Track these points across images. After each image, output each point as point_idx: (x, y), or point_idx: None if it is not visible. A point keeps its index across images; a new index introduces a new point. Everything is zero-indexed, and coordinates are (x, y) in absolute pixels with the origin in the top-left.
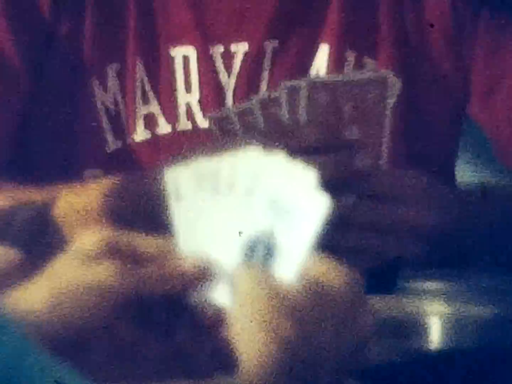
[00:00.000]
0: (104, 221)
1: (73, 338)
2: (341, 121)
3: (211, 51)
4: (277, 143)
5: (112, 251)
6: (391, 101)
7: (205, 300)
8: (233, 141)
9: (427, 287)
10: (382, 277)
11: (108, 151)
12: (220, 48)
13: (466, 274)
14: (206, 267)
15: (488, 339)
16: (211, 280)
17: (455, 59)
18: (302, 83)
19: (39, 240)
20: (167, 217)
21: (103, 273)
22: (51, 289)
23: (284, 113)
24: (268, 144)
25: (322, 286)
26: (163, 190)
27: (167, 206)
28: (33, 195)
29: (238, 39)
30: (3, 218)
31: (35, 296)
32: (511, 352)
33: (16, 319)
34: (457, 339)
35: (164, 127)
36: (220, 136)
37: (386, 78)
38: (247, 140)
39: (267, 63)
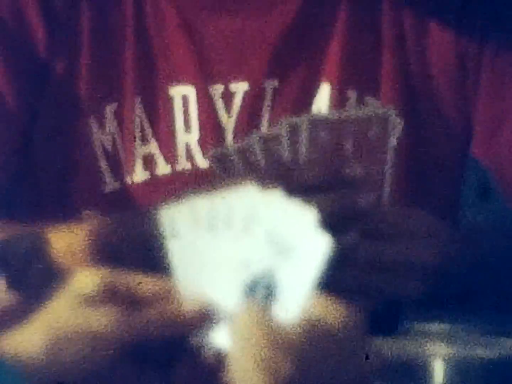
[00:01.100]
0: (100, 261)
1: (70, 381)
2: (343, 158)
3: (210, 91)
4: (277, 181)
5: (110, 294)
6: (393, 139)
7: (206, 343)
8: (233, 179)
9: (429, 328)
10: (385, 318)
11: (105, 192)
12: (220, 88)
13: (469, 315)
14: (206, 309)
15: (492, 381)
16: (211, 322)
17: (458, 100)
18: (303, 120)
19: (34, 274)
20: (164, 257)
21: (101, 319)
22: (47, 332)
23: (284, 150)
24: (268, 182)
25: (322, 326)
26: (159, 229)
27: (163, 245)
28: (28, 229)
29: (238, 78)
30: None
31: (32, 338)
32: None
33: (13, 362)
34: (461, 381)
35: (163, 168)
36: (220, 174)
37: (387, 116)
38: (247, 178)
39: (267, 103)
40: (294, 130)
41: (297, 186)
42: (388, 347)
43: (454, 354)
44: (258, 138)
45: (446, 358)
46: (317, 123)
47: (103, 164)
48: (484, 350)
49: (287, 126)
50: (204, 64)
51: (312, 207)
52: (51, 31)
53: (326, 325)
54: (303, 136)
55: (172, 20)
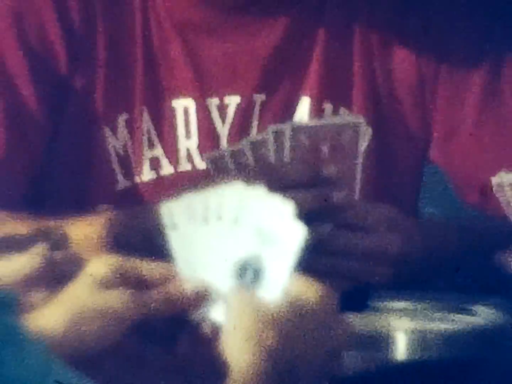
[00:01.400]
0: (113, 249)
1: (87, 354)
2: (320, 160)
3: (207, 103)
4: (264, 179)
5: (121, 277)
6: (363, 144)
7: (203, 319)
8: (226, 178)
9: (394, 306)
10: (356, 297)
11: (118, 189)
12: (216, 100)
13: (428, 294)
14: (203, 290)
15: (449, 351)
16: (207, 301)
17: (418, 112)
18: (286, 127)
19: (55, 264)
20: (167, 245)
21: (114, 300)
22: (66, 312)
23: (270, 153)
24: (256, 180)
25: (301, 303)
26: (162, 221)
27: (166, 235)
28: (49, 223)
29: (231, 92)
30: (22, 245)
31: (53, 317)
32: (469, 363)
33: (37, 338)
34: (421, 351)
35: (167, 169)
36: (215, 174)
37: (358, 124)
38: (238, 177)
39: (256, 114)
40: (278, 136)
41: (281, 184)
42: (358, 321)
43: (415, 328)
44: (248, 143)
45: (408, 331)
46: (298, 130)
47: (116, 165)
48: (441, 324)
49: (273, 132)
50: (202, 80)
51: (293, 202)
52: (71, 53)
53: (304, 303)
54: (286, 141)
55: (175, 43)
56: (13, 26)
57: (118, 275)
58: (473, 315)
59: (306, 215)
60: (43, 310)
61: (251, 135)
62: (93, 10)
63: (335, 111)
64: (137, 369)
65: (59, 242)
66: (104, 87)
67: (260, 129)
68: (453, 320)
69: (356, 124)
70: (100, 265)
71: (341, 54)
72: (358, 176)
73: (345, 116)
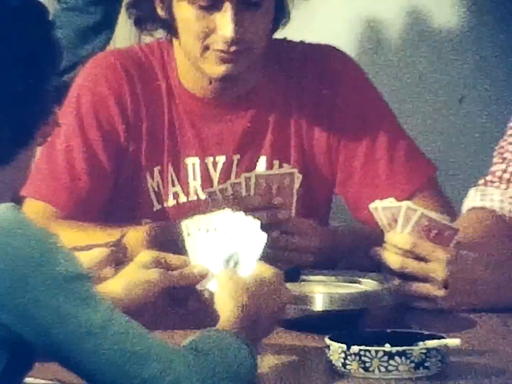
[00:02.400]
0: (151, 246)
1: (135, 309)
2: (271, 194)
3: (206, 161)
4: (239, 206)
5: (156, 263)
6: (296, 185)
7: (204, 288)
8: (217, 206)
9: (314, 278)
10: (292, 273)
11: (154, 211)
12: (211, 159)
13: (335, 272)
14: (204, 272)
15: (346, 305)
16: (207, 278)
17: (328, 163)
18: (252, 175)
19: (116, 255)
20: (184, 245)
21: (151, 275)
22: (123, 283)
23: (242, 190)
24: (235, 207)
25: (262, 278)
26: (181, 231)
27: (183, 239)
28: (113, 231)
29: (219, 154)
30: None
31: (115, 286)
32: (358, 312)
33: (105, 298)
34: (330, 305)
35: (182, 199)
36: (211, 203)
37: (293, 173)
38: (225, 205)
39: (234, 167)
40: (247, 180)
41: (249, 208)
42: (294, 288)
43: (327, 292)
44: (230, 184)
45: (323, 294)
46: (259, 176)
47: (153, 196)
48: (342, 290)
49: (245, 178)
50: (202, 147)
51: (257, 219)
52: (127, 130)
53: (264, 278)
54: (252, 183)
55: (187, 124)
56: (93, 115)
57: (154, 262)
58: (360, 284)
59: (263, 226)
60: (109, 282)
61: (231, 180)
62: (139, 104)
63: (280, 165)
64: (163, 317)
65: (119, 242)
66: (146, 150)
67: (237, 176)
68: (348, 287)
69: (292, 173)
70: (143, 255)
71: (283, 130)
72: (294, 203)
73: (286, 169)
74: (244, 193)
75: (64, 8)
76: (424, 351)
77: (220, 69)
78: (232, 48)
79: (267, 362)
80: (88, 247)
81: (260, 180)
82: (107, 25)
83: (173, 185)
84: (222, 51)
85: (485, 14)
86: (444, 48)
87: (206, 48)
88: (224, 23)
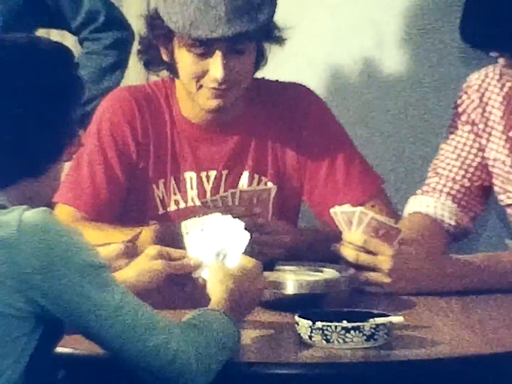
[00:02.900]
0: (157, 243)
1: (144, 292)
2: (252, 205)
3: (201, 174)
4: (227, 212)
5: (160, 255)
6: (272, 196)
7: (198, 276)
8: (210, 211)
9: (286, 268)
10: (268, 264)
11: (159, 214)
12: (205, 173)
13: (303, 263)
14: (199, 262)
15: (312, 290)
16: (201, 268)
17: (297, 176)
18: (237, 190)
19: (129, 249)
20: (182, 242)
21: (157, 265)
22: (134, 271)
23: (230, 201)
24: (223, 212)
25: (245, 268)
26: (181, 230)
27: (183, 237)
28: (125, 231)
29: (211, 169)
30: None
31: (128, 274)
32: (320, 295)
33: (120, 283)
34: (299, 290)
35: (182, 205)
36: (205, 209)
37: (270, 189)
38: (216, 211)
39: (223, 181)
40: (233, 194)
41: (234, 215)
42: (269, 275)
43: (296, 279)
44: (219, 196)
45: (293, 280)
46: (242, 191)
47: (158, 203)
48: (308, 277)
49: (231, 192)
50: (198, 164)
51: (241, 222)
52: (138, 151)
53: (246, 268)
54: (236, 196)
55: (186, 145)
56: (111, 138)
57: (159, 254)
58: (322, 272)
59: (246, 229)
60: (123, 271)
61: (220, 194)
62: (147, 129)
63: (259, 179)
64: (167, 299)
65: (135, 239)
66: (153, 166)
67: (226, 187)
68: (313, 275)
69: (269, 189)
70: (150, 249)
71: (262, 151)
72: (270, 211)
73: (263, 186)
74: (230, 204)
75: (86, 52)
76: (373, 326)
77: (212, 103)
78: (222, 86)
79: (248, 335)
80: (106, 244)
81: (243, 195)
82: (121, 65)
83: (175, 194)
84: (213, 88)
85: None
86: (391, 87)
87: (200, 86)
88: (215, 67)
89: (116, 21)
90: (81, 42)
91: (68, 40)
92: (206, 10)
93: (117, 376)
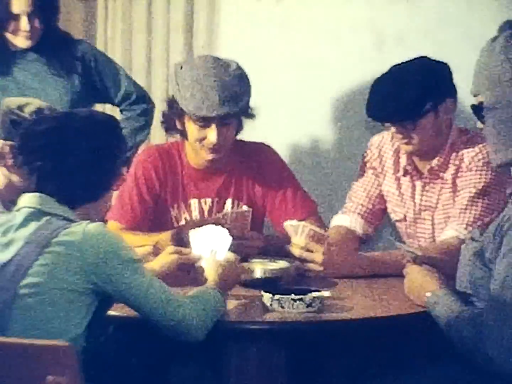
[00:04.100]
0: (173, 243)
1: (164, 276)
2: (243, 224)
3: (201, 201)
4: (223, 226)
5: (175, 252)
6: (249, 219)
7: (200, 265)
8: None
9: (256, 261)
10: (245, 257)
11: (174, 226)
12: (204, 200)
13: (270, 257)
14: (199, 256)
15: (275, 276)
16: (201, 260)
17: (262, 203)
18: (228, 211)
19: (156, 249)
20: (190, 243)
21: (173, 258)
22: (157, 264)
23: (221, 220)
24: (217, 225)
25: (229, 261)
26: (188, 236)
27: (189, 240)
28: (153, 236)
29: (207, 197)
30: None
31: (154, 265)
32: (279, 280)
33: (148, 272)
34: (265, 276)
35: (189, 220)
36: (203, 224)
37: (248, 211)
38: (214, 225)
39: (215, 206)
40: (223, 217)
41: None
42: (246, 265)
43: (263, 268)
44: (221, 214)
45: (260, 268)
46: (233, 213)
47: (174, 220)
48: (272, 266)
49: (221, 215)
50: (199, 194)
51: (226, 230)
52: (160, 185)
53: (230, 260)
54: (229, 217)
55: (190, 182)
56: (143, 177)
57: (174, 251)
58: (279, 263)
59: (232, 235)
60: (151, 263)
61: (213, 215)
62: (166, 173)
63: (238, 203)
64: (178, 280)
65: (158, 243)
66: (170, 195)
67: (217, 211)
68: (273, 265)
69: (247, 211)
70: (169, 248)
71: (239, 186)
72: (248, 226)
73: (243, 208)
74: (222, 223)
75: (124, 118)
76: (311, 298)
77: (209, 156)
78: (215, 146)
79: (231, 304)
80: (140, 246)
81: (233, 215)
82: (147, 126)
83: (184, 213)
84: (210, 148)
85: None
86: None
87: (202, 146)
88: (211, 134)
89: (143, 97)
90: (121, 111)
91: (107, 109)
92: (206, 99)
93: (146, 332)
